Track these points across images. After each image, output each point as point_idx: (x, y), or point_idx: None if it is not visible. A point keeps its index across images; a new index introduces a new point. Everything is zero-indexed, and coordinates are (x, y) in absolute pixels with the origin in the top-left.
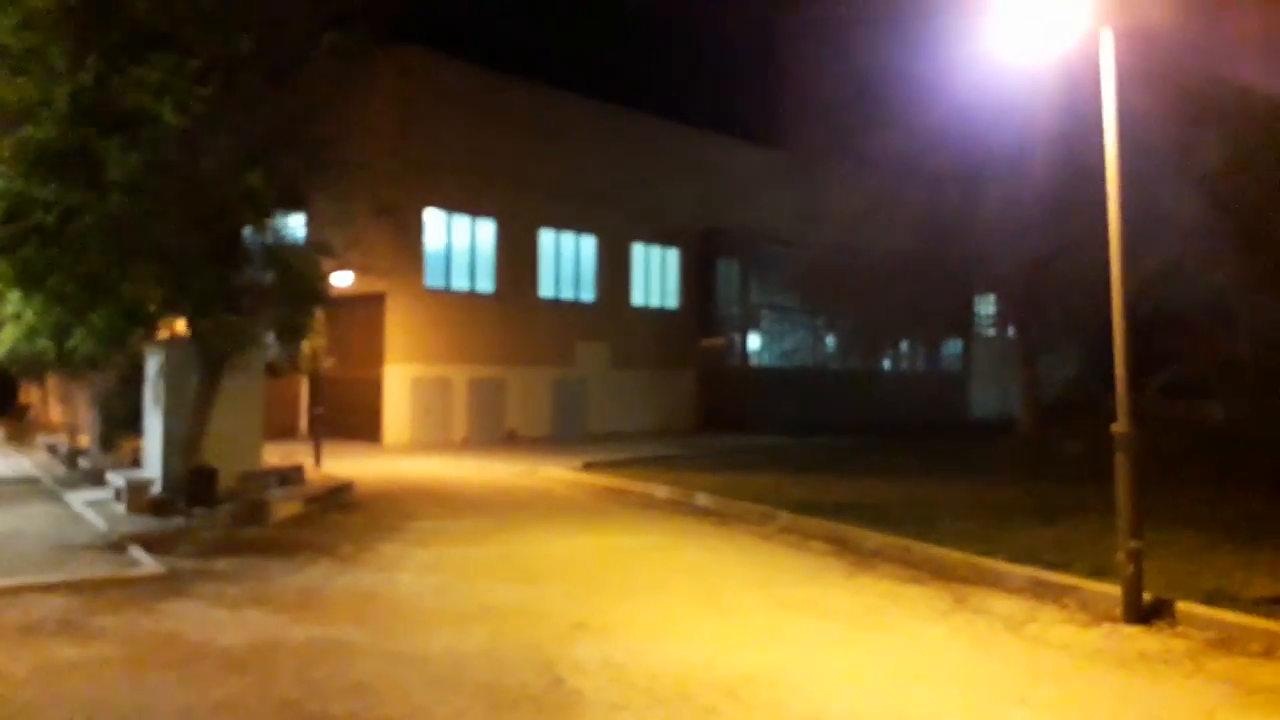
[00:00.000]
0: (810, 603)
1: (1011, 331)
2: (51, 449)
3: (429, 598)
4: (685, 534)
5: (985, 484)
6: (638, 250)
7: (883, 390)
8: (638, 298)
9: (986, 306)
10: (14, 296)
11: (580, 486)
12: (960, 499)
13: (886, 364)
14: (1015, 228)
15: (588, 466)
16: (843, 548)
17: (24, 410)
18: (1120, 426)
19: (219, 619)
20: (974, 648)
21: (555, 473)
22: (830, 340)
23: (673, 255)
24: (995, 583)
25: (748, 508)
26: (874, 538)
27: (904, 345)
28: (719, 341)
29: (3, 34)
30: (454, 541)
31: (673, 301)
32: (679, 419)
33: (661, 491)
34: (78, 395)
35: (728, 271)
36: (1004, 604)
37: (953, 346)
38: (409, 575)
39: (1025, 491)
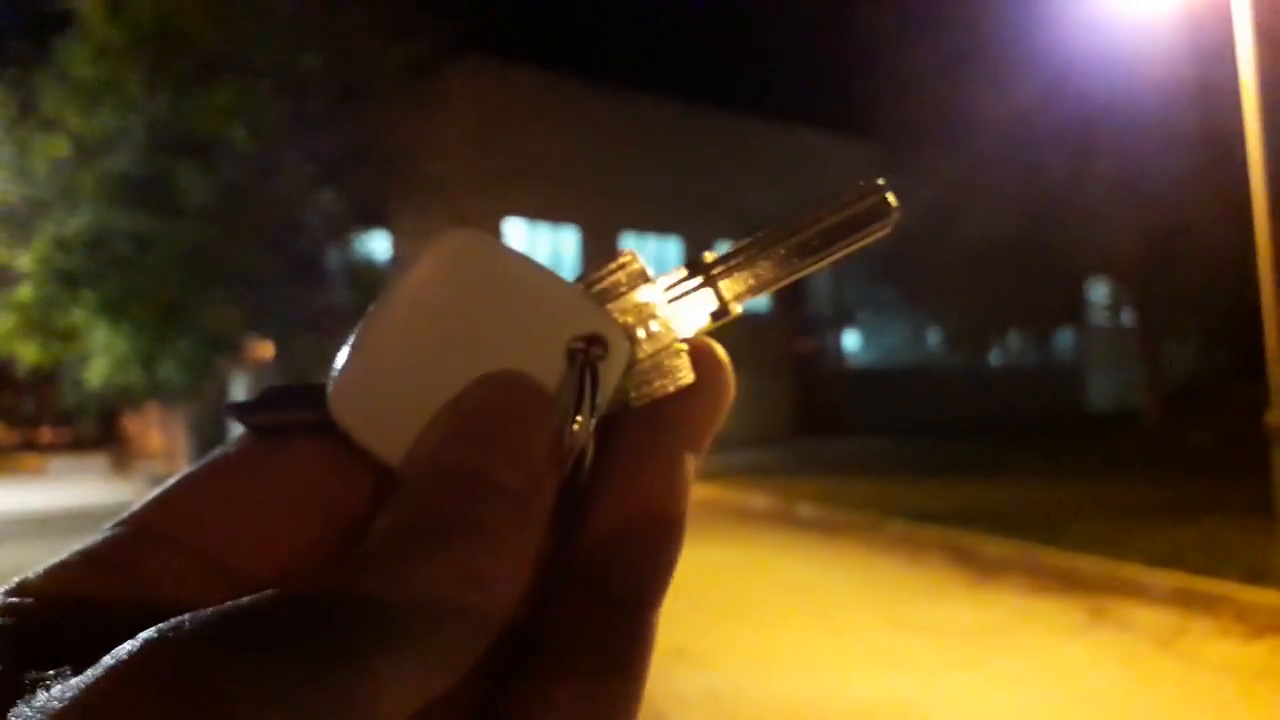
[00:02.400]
0: (931, 622)
1: (1129, 318)
2: (152, 477)
3: None
4: (788, 547)
5: (1111, 482)
6: (723, 251)
7: (991, 386)
8: None
9: (1100, 293)
10: (101, 328)
11: None
12: (1086, 499)
13: (994, 358)
14: (1130, 202)
15: None
16: (962, 558)
17: (126, 440)
18: (1277, 417)
19: None
20: (1120, 669)
21: None
22: (932, 336)
23: None
24: (1135, 592)
25: (855, 517)
26: (996, 546)
27: (1012, 337)
28: (813, 342)
29: (78, 66)
30: None
31: (763, 304)
32: (774, 424)
33: (759, 501)
34: (175, 423)
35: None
36: (1148, 616)
37: (1064, 337)
38: None
39: (1156, 489)
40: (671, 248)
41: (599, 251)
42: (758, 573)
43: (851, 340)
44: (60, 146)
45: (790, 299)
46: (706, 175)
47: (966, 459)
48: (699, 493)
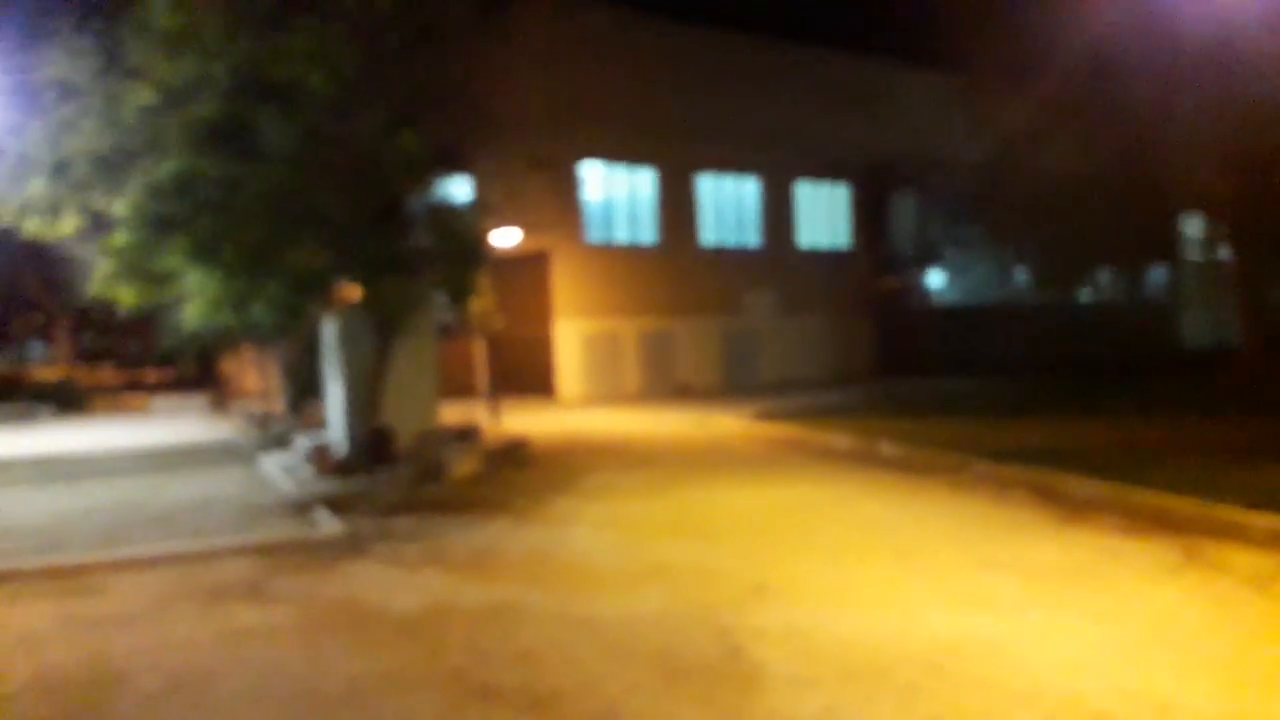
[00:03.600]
0: (1016, 561)
1: (1225, 254)
2: (247, 415)
3: (601, 556)
4: (870, 486)
5: (1207, 422)
6: (803, 189)
7: (1081, 324)
8: (805, 239)
9: (1194, 228)
10: (193, 272)
11: (754, 438)
12: (1180, 440)
13: (1083, 296)
14: (1225, 134)
15: (761, 416)
16: (1048, 498)
17: (223, 380)
18: None
19: (395, 581)
20: (1214, 611)
21: (728, 424)
22: (1019, 274)
23: (841, 192)
24: (1232, 533)
25: (938, 456)
26: (1084, 485)
27: (1102, 274)
28: (896, 281)
29: (159, 16)
30: (627, 495)
31: (843, 241)
32: (855, 364)
33: (841, 441)
34: (268, 363)
35: (902, 206)
36: (1245, 558)
37: (1157, 274)
38: (582, 532)
39: (1254, 430)
40: (750, 187)
41: (677, 192)
42: (839, 511)
43: (935, 278)
44: (147, 95)
45: (873, 236)
46: (786, 112)
47: (1054, 399)
48: (780, 432)
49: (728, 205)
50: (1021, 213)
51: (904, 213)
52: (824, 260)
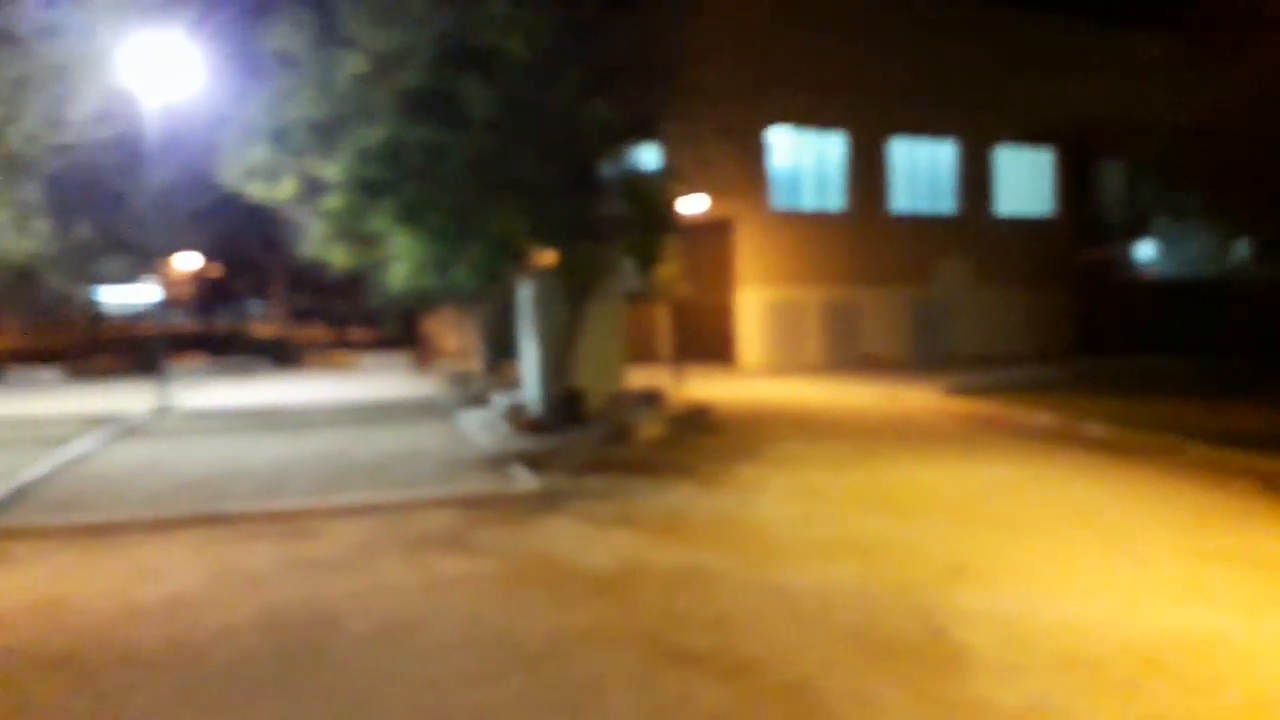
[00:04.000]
0: (1239, 552)
1: None
2: (447, 374)
3: (791, 525)
4: (1075, 467)
5: None
6: (1003, 154)
7: None
8: (1004, 207)
9: None
10: (400, 235)
11: (946, 413)
12: None
13: None
14: None
15: (954, 391)
16: (1273, 486)
17: (425, 340)
18: None
19: (588, 538)
20: None
21: (917, 397)
22: (1239, 246)
23: (1044, 157)
24: None
25: (1149, 438)
26: None
27: None
28: (1101, 252)
29: None
30: (815, 466)
31: (1045, 209)
32: (1053, 340)
33: (1042, 418)
34: (467, 324)
35: (1111, 172)
36: None
37: None
38: (770, 500)
39: None
40: (946, 151)
41: (868, 158)
42: (1043, 491)
43: (1145, 250)
44: (359, 63)
45: (1078, 204)
46: (985, 73)
47: (1275, 382)
48: (977, 408)
49: (922, 171)
50: (1245, 179)
51: (1111, 179)
52: (1023, 229)
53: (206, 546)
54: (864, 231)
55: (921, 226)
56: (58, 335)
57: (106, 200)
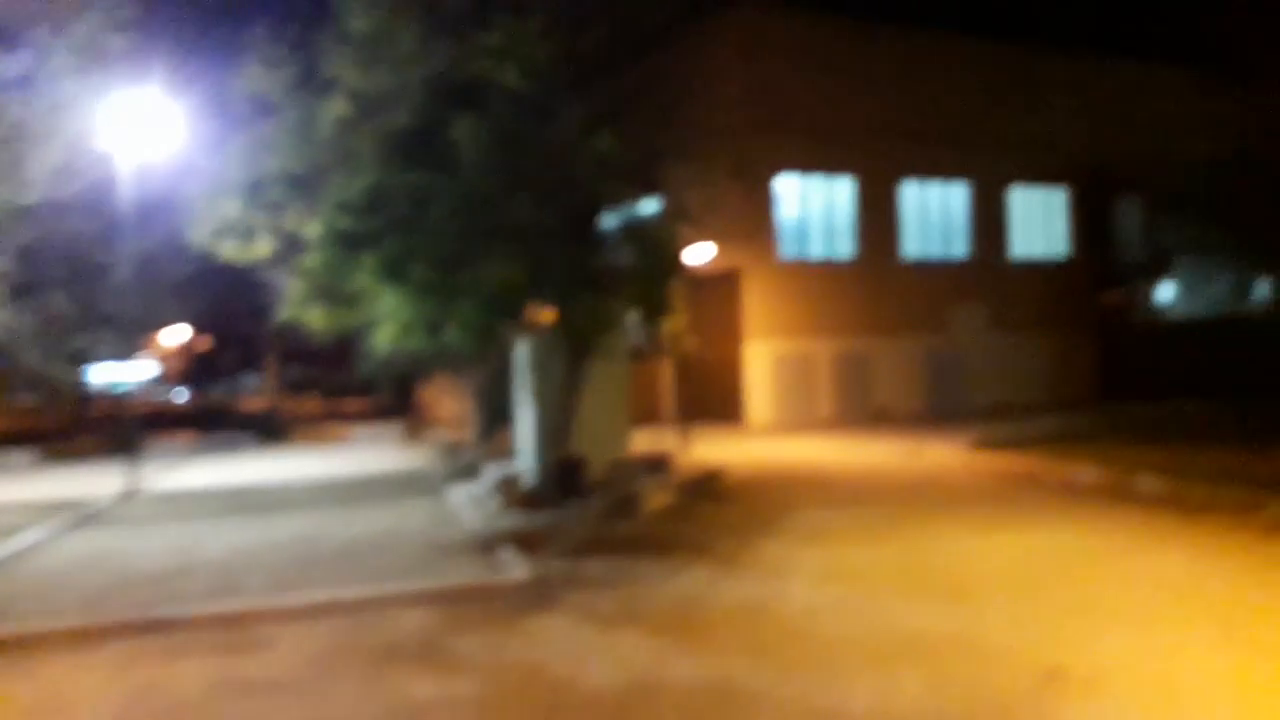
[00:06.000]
0: None
1: None
2: (438, 444)
3: (831, 618)
4: (1143, 531)
5: None
6: (1016, 195)
7: None
8: (1019, 249)
9: None
10: (383, 293)
11: (977, 470)
12: None
13: None
14: None
15: (981, 445)
16: None
17: (419, 408)
18: None
19: (588, 643)
20: None
21: (942, 453)
22: (1262, 286)
23: (1058, 197)
24: None
25: (1213, 493)
26: None
27: None
28: (1121, 293)
29: (353, 19)
30: (845, 539)
31: (1061, 250)
32: (1074, 386)
33: (1086, 474)
34: (461, 389)
35: (1128, 210)
36: None
37: None
38: (801, 585)
39: None
40: (957, 193)
41: (877, 202)
42: (1121, 565)
43: (1165, 291)
44: (342, 106)
45: (1095, 244)
46: (996, 113)
47: None
48: (1010, 464)
49: (933, 214)
50: (1268, 213)
51: (1129, 218)
52: (1039, 271)
53: (131, 664)
54: (875, 279)
55: (934, 272)
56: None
57: (85, 272)
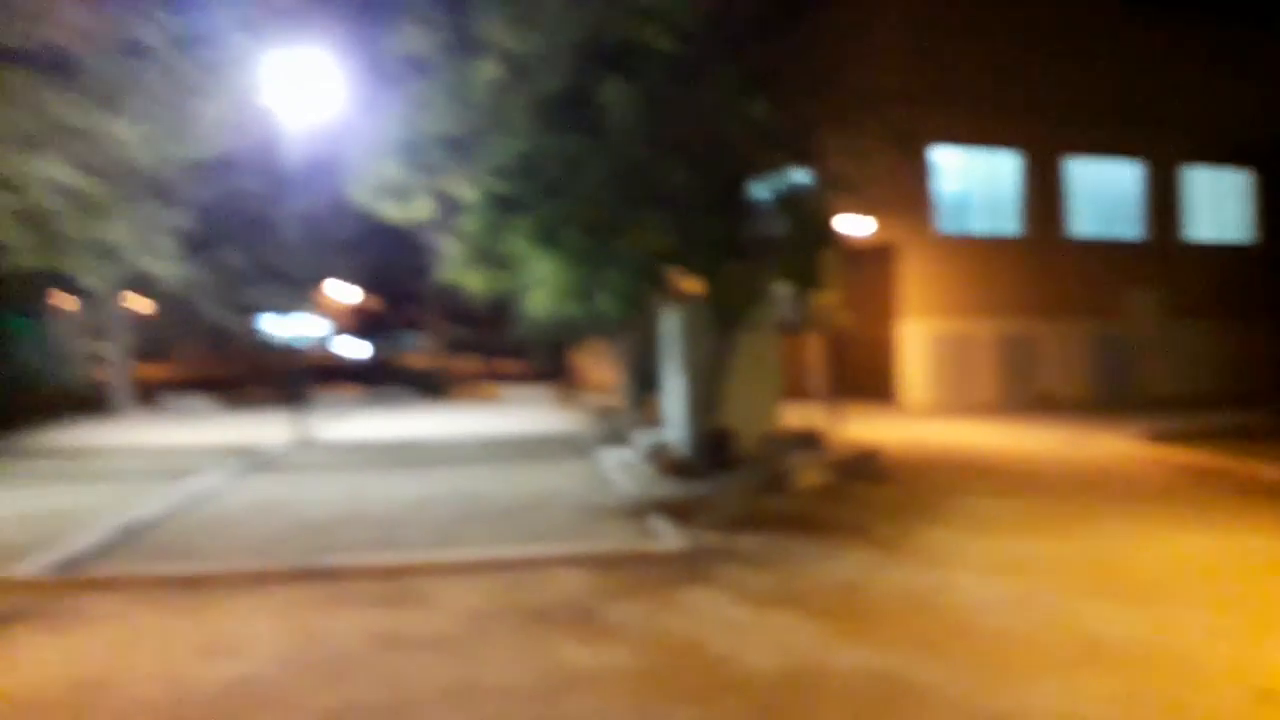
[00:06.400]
0: None
1: None
2: (590, 408)
3: (1004, 614)
4: None
5: None
6: (1194, 175)
7: None
8: (1197, 232)
9: None
10: (540, 258)
11: (1152, 462)
12: None
13: None
14: None
15: (1155, 437)
16: None
17: (572, 372)
18: None
19: (745, 622)
20: None
21: (1113, 444)
22: None
23: (1239, 179)
24: None
25: None
26: None
27: None
28: None
29: None
30: (1016, 530)
31: (1243, 234)
32: (1252, 379)
33: (1269, 471)
34: (611, 356)
35: None
36: None
37: None
38: (970, 577)
39: None
40: (1127, 172)
41: (1043, 179)
42: None
43: None
44: (494, 69)
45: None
46: (1173, 88)
47: None
48: (1188, 458)
49: (1103, 193)
50: None
51: None
52: (1218, 256)
53: (296, 611)
54: (1040, 258)
55: (1104, 253)
56: (219, 365)
57: (256, 228)
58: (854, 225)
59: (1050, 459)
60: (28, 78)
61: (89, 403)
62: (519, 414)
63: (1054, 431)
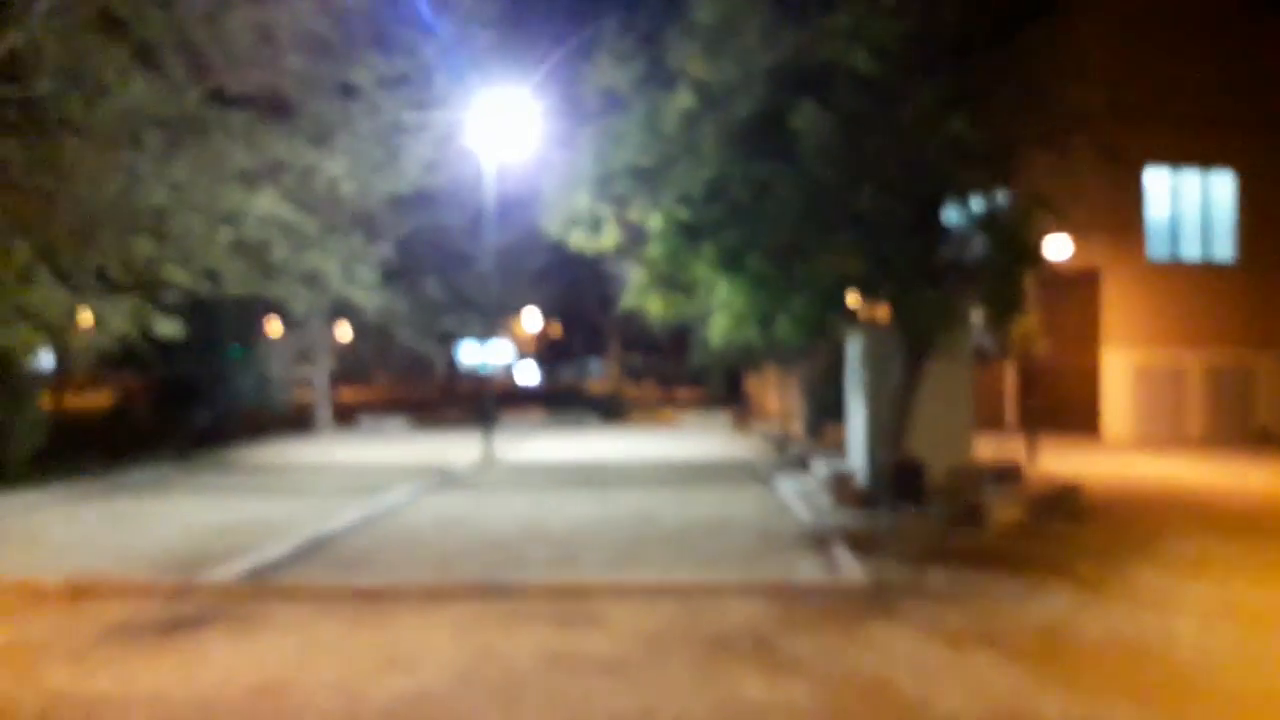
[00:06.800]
0: None
1: None
2: (766, 435)
3: (1232, 667)
4: None
5: None
6: None
7: None
8: None
9: None
10: (722, 284)
11: None
12: None
13: None
14: None
15: None
16: None
17: (747, 399)
18: None
19: (937, 662)
20: None
21: None
22: None
23: None
24: None
25: None
26: None
27: None
28: None
29: (701, 11)
30: (1238, 573)
31: None
32: None
33: None
34: (789, 384)
35: None
36: None
37: None
38: (1188, 622)
39: None
40: None
41: (1262, 199)
42: None
43: None
44: (687, 98)
45: None
46: None
47: None
48: None
49: None
50: None
51: None
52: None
53: (474, 627)
54: (1259, 286)
55: None
56: (413, 388)
57: (452, 260)
58: (1054, 248)
59: (1273, 499)
60: (249, 119)
61: (293, 422)
62: (695, 439)
63: (1274, 470)
